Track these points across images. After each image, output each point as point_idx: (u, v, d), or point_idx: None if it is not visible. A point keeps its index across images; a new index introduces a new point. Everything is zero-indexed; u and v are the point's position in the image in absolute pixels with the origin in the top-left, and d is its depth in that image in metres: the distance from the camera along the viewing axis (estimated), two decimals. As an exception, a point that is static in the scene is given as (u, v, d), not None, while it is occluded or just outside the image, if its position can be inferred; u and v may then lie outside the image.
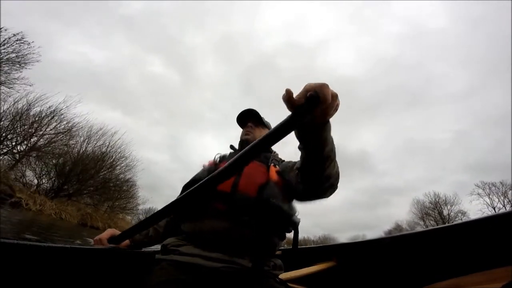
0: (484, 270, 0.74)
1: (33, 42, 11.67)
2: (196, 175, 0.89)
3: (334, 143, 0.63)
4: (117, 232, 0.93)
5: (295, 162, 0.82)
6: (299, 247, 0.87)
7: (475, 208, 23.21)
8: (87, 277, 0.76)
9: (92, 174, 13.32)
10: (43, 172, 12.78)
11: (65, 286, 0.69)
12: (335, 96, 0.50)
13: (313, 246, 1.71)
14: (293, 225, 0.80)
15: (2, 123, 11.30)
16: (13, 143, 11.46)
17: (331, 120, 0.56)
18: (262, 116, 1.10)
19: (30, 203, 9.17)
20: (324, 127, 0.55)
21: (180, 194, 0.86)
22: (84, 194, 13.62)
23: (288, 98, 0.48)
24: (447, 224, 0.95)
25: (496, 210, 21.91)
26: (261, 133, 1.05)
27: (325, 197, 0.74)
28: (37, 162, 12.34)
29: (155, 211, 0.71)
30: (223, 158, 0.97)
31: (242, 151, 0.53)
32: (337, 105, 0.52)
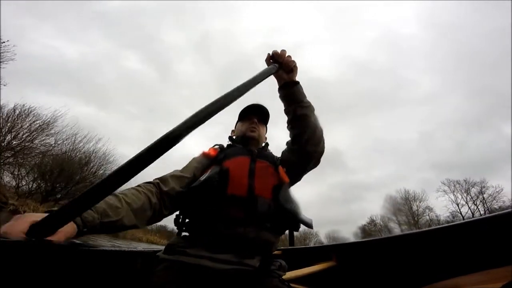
0: (484, 270, 0.74)
1: (8, 40, 11.28)
2: (208, 176, 0.76)
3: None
4: (38, 217, 0.46)
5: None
6: (298, 247, 0.88)
7: (440, 204, 25.25)
8: (86, 276, 0.75)
9: (78, 180, 13.25)
10: (22, 174, 12.46)
11: (64, 285, 0.68)
12: (288, 57, 0.78)
13: (313, 246, 1.71)
14: (309, 227, 0.82)
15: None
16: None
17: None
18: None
19: (26, 209, 9.54)
20: (297, 85, 0.81)
21: (190, 198, 0.76)
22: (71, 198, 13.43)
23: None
24: (447, 224, 0.95)
25: (459, 206, 23.70)
26: (263, 131, 1.04)
27: (318, 153, 0.84)
28: (14, 162, 11.86)
29: (109, 174, 0.41)
30: (222, 149, 0.94)
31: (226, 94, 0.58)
32: (292, 64, 0.79)
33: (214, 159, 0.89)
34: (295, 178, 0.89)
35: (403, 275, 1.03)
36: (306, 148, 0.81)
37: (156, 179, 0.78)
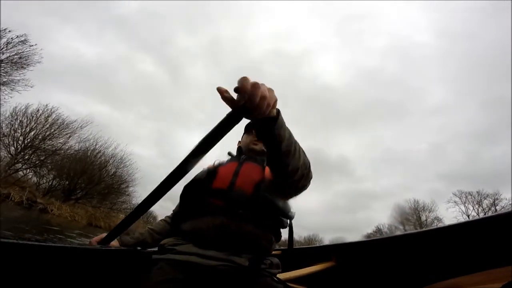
0: (484, 270, 0.74)
1: (36, 44, 11.87)
2: (196, 175, 0.92)
3: (294, 138, 0.63)
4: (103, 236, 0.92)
5: None
6: (298, 247, 0.88)
7: (450, 215, 24.23)
8: (85, 276, 0.76)
9: (96, 181, 14.22)
10: (43, 172, 13.15)
11: (64, 285, 0.69)
12: (256, 86, 0.46)
13: (312, 246, 1.71)
14: (289, 219, 0.85)
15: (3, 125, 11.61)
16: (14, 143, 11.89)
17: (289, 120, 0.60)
18: None
19: (53, 208, 10.75)
20: (274, 123, 0.54)
21: (182, 195, 0.90)
22: (90, 198, 14.64)
23: (223, 96, 0.49)
24: (447, 224, 0.95)
25: (470, 218, 22.80)
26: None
27: (301, 188, 0.74)
28: (37, 161, 12.59)
29: (136, 206, 0.73)
30: (220, 164, 0.99)
31: (196, 144, 0.55)
32: (265, 97, 0.48)
33: (213, 168, 0.94)
34: (284, 197, 0.82)
35: (403, 275, 1.03)
36: (287, 182, 0.70)
37: None
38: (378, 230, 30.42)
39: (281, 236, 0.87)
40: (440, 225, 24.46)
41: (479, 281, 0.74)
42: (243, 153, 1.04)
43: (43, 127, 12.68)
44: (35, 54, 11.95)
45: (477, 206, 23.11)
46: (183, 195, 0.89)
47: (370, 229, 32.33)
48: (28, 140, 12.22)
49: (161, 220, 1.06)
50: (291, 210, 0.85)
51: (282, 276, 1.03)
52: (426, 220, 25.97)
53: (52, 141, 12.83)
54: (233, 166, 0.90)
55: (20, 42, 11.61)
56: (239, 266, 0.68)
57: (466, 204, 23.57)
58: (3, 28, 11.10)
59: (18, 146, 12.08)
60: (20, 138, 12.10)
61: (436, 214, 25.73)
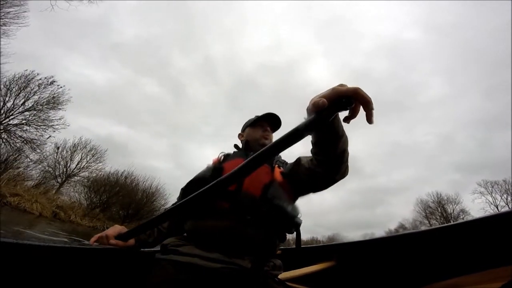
0: (484, 270, 0.74)
1: (64, 86, 13.48)
2: (199, 173, 0.88)
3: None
4: (124, 229, 0.88)
5: (299, 157, 0.85)
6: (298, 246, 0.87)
7: (477, 206, 23.14)
8: (86, 277, 0.76)
9: (142, 207, 19.47)
10: (89, 196, 17.01)
11: (64, 286, 0.69)
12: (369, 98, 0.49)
13: (313, 245, 1.71)
14: (295, 226, 0.79)
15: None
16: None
17: None
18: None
19: None
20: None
21: (183, 192, 0.89)
22: (139, 219, 18.94)
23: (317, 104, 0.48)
24: (446, 224, 0.94)
25: (499, 208, 21.73)
26: (272, 139, 1.06)
27: (342, 175, 0.76)
28: (78, 187, 16.75)
29: (162, 212, 0.71)
30: (227, 156, 0.97)
31: (256, 153, 0.54)
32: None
33: (218, 164, 0.92)
34: (305, 192, 0.86)
35: (403, 275, 1.03)
36: (336, 178, 0.76)
37: None
38: (402, 226, 29.47)
39: (286, 238, 0.84)
40: (465, 218, 23.68)
41: (479, 281, 0.74)
42: (250, 148, 1.00)
43: (81, 158, 16.65)
44: (63, 94, 13.61)
45: (505, 196, 21.46)
46: (186, 192, 0.84)
47: (392, 225, 31.85)
48: (71, 170, 15.95)
49: None
50: (299, 215, 0.80)
51: (282, 276, 1.04)
52: (452, 212, 24.53)
53: (93, 168, 17.06)
54: (239, 163, 0.84)
55: (49, 83, 13.00)
56: (241, 268, 0.68)
57: (493, 194, 22.11)
58: (32, 70, 12.65)
59: (63, 176, 15.87)
60: (64, 169, 16.01)
61: (461, 206, 24.33)
